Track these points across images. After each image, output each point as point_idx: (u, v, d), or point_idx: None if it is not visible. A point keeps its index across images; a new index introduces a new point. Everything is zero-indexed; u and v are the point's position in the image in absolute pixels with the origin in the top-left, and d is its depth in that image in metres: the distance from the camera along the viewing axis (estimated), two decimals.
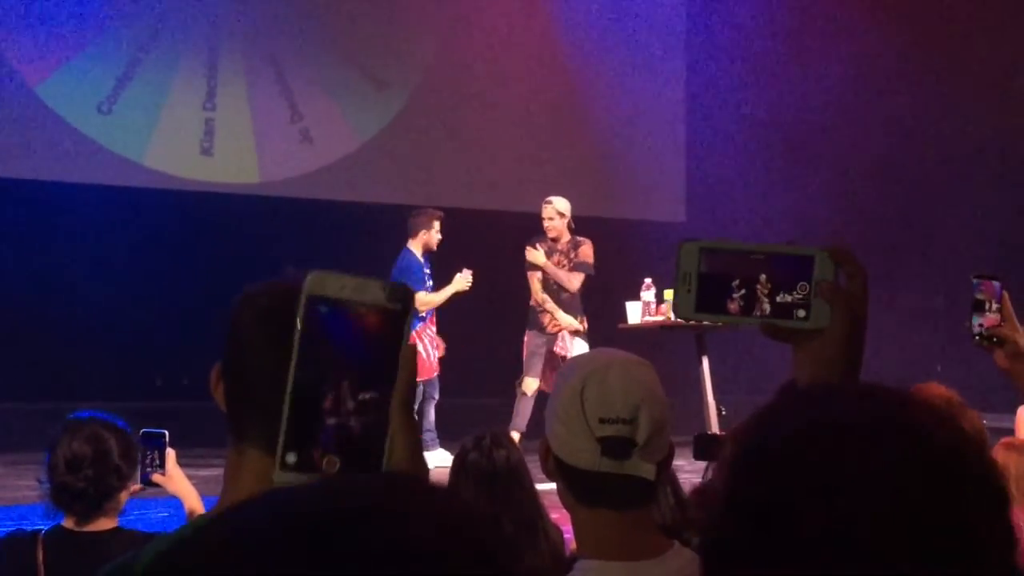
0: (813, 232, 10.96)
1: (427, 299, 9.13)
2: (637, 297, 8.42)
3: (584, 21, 12.27)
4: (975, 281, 2.70)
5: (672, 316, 8.16)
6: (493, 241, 9.67)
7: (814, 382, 1.24)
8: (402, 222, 9.76)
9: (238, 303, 1.67)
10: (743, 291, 1.26)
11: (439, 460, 9.09)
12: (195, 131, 10.95)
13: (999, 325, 2.66)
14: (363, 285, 1.10)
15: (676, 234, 11.80)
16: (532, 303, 8.90)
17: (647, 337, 8.76)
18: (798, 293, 1.25)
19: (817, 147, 12.40)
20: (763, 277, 1.26)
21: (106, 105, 10.62)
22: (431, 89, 11.75)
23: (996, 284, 2.69)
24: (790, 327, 1.26)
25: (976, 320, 2.67)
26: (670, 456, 1.93)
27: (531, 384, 8.77)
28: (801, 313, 1.25)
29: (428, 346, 9.28)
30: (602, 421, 1.85)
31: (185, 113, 10.89)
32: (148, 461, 3.14)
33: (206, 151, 11.00)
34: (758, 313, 1.26)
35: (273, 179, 11.19)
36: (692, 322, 1.32)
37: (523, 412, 8.68)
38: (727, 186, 12.37)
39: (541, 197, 11.44)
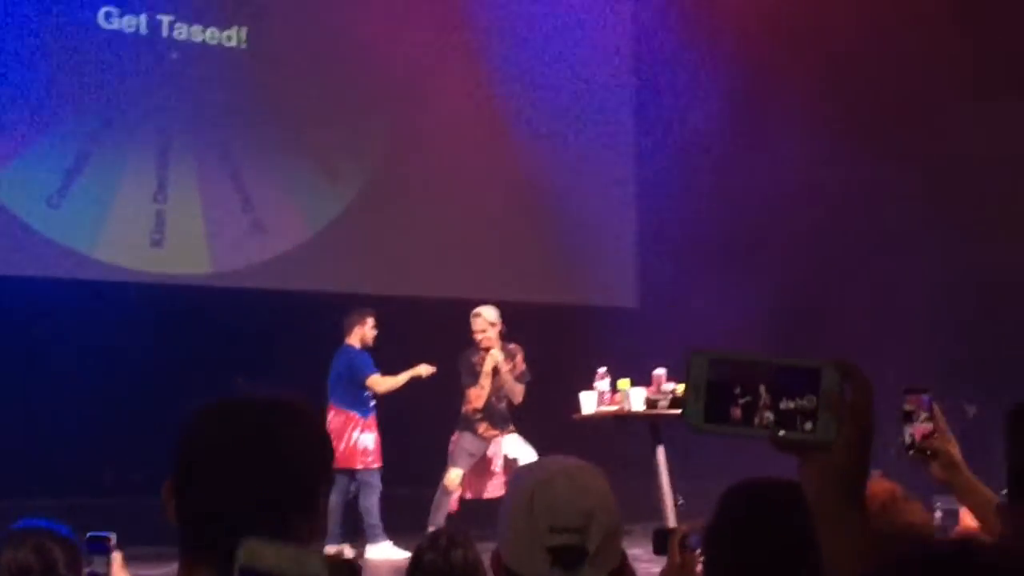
0: (766, 317, 11.03)
1: (388, 381, 9.23)
2: (591, 386, 8.42)
3: (537, 110, 12.39)
4: (904, 395, 2.75)
5: (627, 406, 8.18)
6: (446, 330, 9.65)
7: (821, 495, 1.27)
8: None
9: (190, 422, 1.66)
10: (746, 399, 1.27)
11: (384, 552, 9.03)
12: (146, 223, 10.90)
13: (931, 436, 2.70)
14: (302, 557, 1.03)
15: (628, 321, 11.85)
16: (471, 409, 8.81)
17: (601, 426, 8.76)
18: (804, 405, 1.26)
19: (769, 229, 12.52)
20: (767, 388, 1.26)
21: (56, 198, 10.56)
22: (383, 179, 11.80)
23: (925, 397, 2.75)
24: (797, 439, 1.27)
25: (907, 430, 2.72)
26: (624, 564, 1.92)
27: (455, 476, 8.71)
28: (808, 425, 1.26)
29: (378, 436, 9.29)
30: (552, 530, 1.84)
31: (136, 205, 10.84)
32: (94, 566, 3.08)
33: (156, 243, 10.95)
34: (759, 422, 1.27)
35: (225, 269, 11.14)
36: (703, 432, 1.32)
37: (443, 507, 8.64)
38: (680, 270, 12.45)
39: (493, 284, 11.52)
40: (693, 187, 12.55)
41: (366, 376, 9.21)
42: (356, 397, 9.23)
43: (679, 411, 7.80)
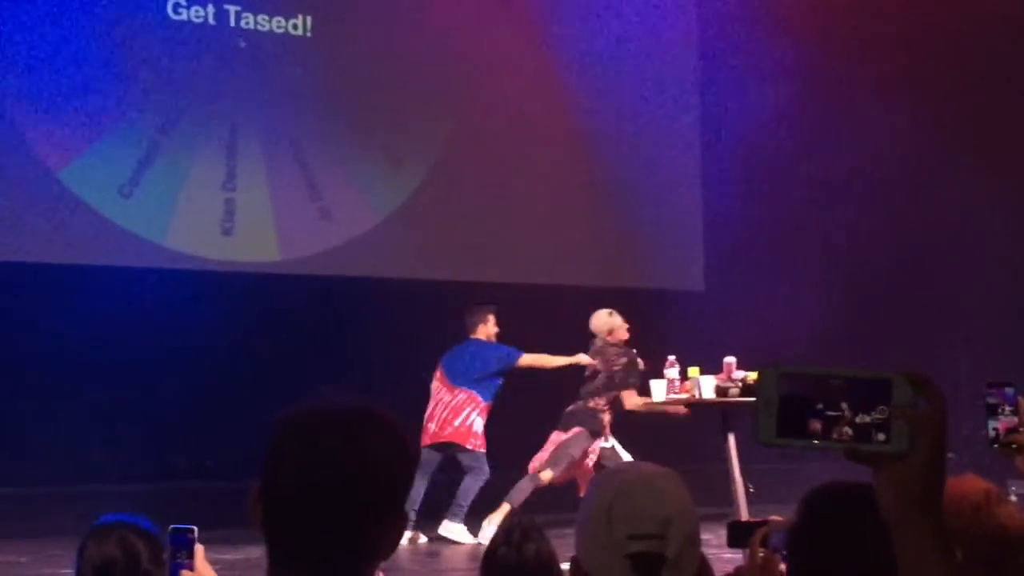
0: (833, 299, 10.93)
1: (542, 359, 9.32)
2: (661, 374, 8.40)
3: (601, 93, 12.34)
4: (988, 388, 2.73)
5: (697, 393, 8.15)
6: (515, 315, 9.68)
7: (895, 505, 1.28)
8: (422, 297, 9.82)
9: (277, 428, 1.68)
10: (828, 413, 1.28)
11: (456, 534, 9.07)
12: (215, 211, 11.02)
13: (1016, 430, 2.68)
14: None
15: (696, 305, 11.79)
16: (610, 415, 8.94)
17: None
18: (877, 416, 1.27)
19: (839, 213, 12.39)
20: (844, 402, 1.28)
21: (127, 188, 10.70)
22: (448, 165, 11.83)
23: (1008, 391, 2.72)
24: (871, 451, 1.28)
25: (991, 424, 2.70)
26: (703, 570, 1.93)
27: (547, 477, 8.82)
28: (881, 437, 1.27)
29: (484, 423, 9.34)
30: (631, 537, 1.85)
31: (205, 194, 10.97)
32: (177, 559, 3.11)
33: (226, 231, 11.07)
34: (838, 436, 1.28)
35: (293, 256, 11.24)
36: (774, 447, 1.33)
37: (524, 491, 8.76)
38: (747, 252, 12.36)
39: (559, 268, 11.52)
40: (761, 169, 12.44)
41: (518, 357, 9.29)
42: (489, 385, 9.33)
43: (750, 399, 7.78)
